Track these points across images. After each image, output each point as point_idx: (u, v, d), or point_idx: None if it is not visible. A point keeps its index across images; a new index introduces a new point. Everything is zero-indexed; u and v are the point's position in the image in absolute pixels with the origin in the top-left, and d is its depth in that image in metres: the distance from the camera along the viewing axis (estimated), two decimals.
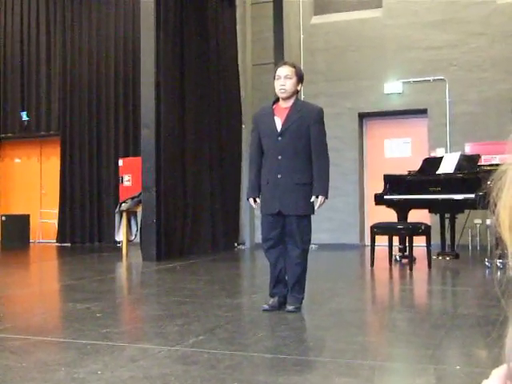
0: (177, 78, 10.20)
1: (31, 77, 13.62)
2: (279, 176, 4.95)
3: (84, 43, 13.13)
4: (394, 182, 8.79)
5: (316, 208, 4.98)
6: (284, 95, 5.03)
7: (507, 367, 0.72)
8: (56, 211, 13.28)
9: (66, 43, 13.26)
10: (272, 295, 5.07)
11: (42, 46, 13.53)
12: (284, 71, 5.03)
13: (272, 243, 5.01)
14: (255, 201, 5.10)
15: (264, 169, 5.06)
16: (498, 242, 0.69)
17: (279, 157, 4.96)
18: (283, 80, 5.00)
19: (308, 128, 4.96)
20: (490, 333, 3.83)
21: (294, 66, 5.12)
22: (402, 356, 3.78)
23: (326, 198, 5.00)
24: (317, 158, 5.00)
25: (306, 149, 4.98)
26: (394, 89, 11.61)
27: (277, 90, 5.05)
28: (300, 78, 5.07)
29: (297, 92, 5.10)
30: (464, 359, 3.66)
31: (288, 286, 5.05)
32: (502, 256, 0.71)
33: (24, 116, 13.59)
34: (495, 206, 0.69)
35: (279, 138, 4.97)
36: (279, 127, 4.99)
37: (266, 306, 4.99)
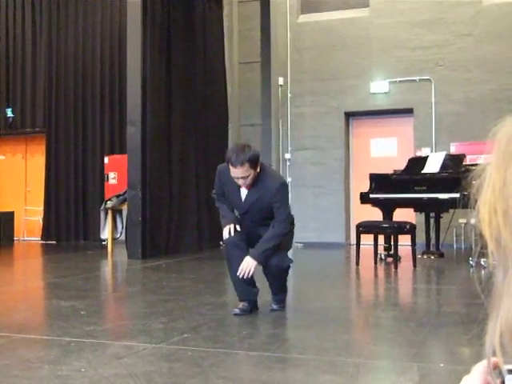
0: (163, 76, 10.17)
1: (16, 73, 13.52)
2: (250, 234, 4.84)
3: (70, 39, 13.05)
4: (379, 181, 8.81)
5: (240, 268, 4.63)
6: (248, 187, 4.77)
7: (487, 363, 0.72)
8: (41, 208, 13.19)
9: (52, 39, 13.18)
10: (241, 300, 4.86)
11: (28, 42, 13.43)
12: (238, 173, 4.64)
13: (237, 243, 4.77)
14: (235, 228, 4.79)
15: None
16: (479, 238, 0.69)
17: (248, 223, 4.85)
18: (241, 180, 4.69)
19: (270, 203, 4.72)
20: (473, 330, 3.85)
21: (245, 161, 4.55)
22: (386, 354, 3.79)
23: (257, 263, 4.67)
24: (274, 226, 4.69)
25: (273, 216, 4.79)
26: (380, 88, 11.64)
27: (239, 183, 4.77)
28: (255, 165, 4.63)
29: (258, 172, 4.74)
30: (448, 357, 3.67)
31: (271, 290, 5.01)
32: (481, 254, 0.72)
33: (9, 113, 13.49)
34: (475, 202, 0.69)
35: (245, 214, 4.84)
36: (243, 198, 4.80)
37: (236, 310, 4.79)
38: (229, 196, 4.91)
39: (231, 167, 4.63)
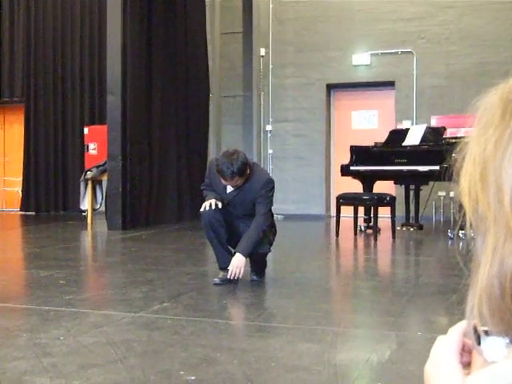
0: (144, 45, 10.04)
1: None
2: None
3: (49, 8, 12.81)
4: (360, 153, 8.83)
5: (230, 270, 4.66)
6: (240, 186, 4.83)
7: (467, 324, 0.73)
8: (20, 179, 13.06)
9: (30, 7, 12.93)
10: (222, 268, 4.86)
11: (5, 10, 13.16)
12: (229, 183, 4.75)
13: (215, 216, 4.78)
14: (216, 204, 4.76)
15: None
16: (460, 210, 0.70)
17: (228, 212, 4.86)
18: (234, 185, 4.78)
19: (253, 199, 4.78)
20: (450, 300, 3.90)
21: (235, 174, 4.63)
22: (365, 322, 3.83)
23: (245, 257, 4.70)
24: (257, 216, 4.74)
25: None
26: (362, 60, 11.60)
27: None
28: (244, 173, 4.69)
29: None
30: (425, 325, 3.72)
31: (251, 267, 5.03)
32: (460, 226, 0.72)
33: None
34: (458, 176, 0.70)
35: (227, 206, 4.85)
36: (228, 191, 4.85)
37: (216, 280, 4.81)
38: (215, 187, 4.92)
39: (222, 178, 4.71)
